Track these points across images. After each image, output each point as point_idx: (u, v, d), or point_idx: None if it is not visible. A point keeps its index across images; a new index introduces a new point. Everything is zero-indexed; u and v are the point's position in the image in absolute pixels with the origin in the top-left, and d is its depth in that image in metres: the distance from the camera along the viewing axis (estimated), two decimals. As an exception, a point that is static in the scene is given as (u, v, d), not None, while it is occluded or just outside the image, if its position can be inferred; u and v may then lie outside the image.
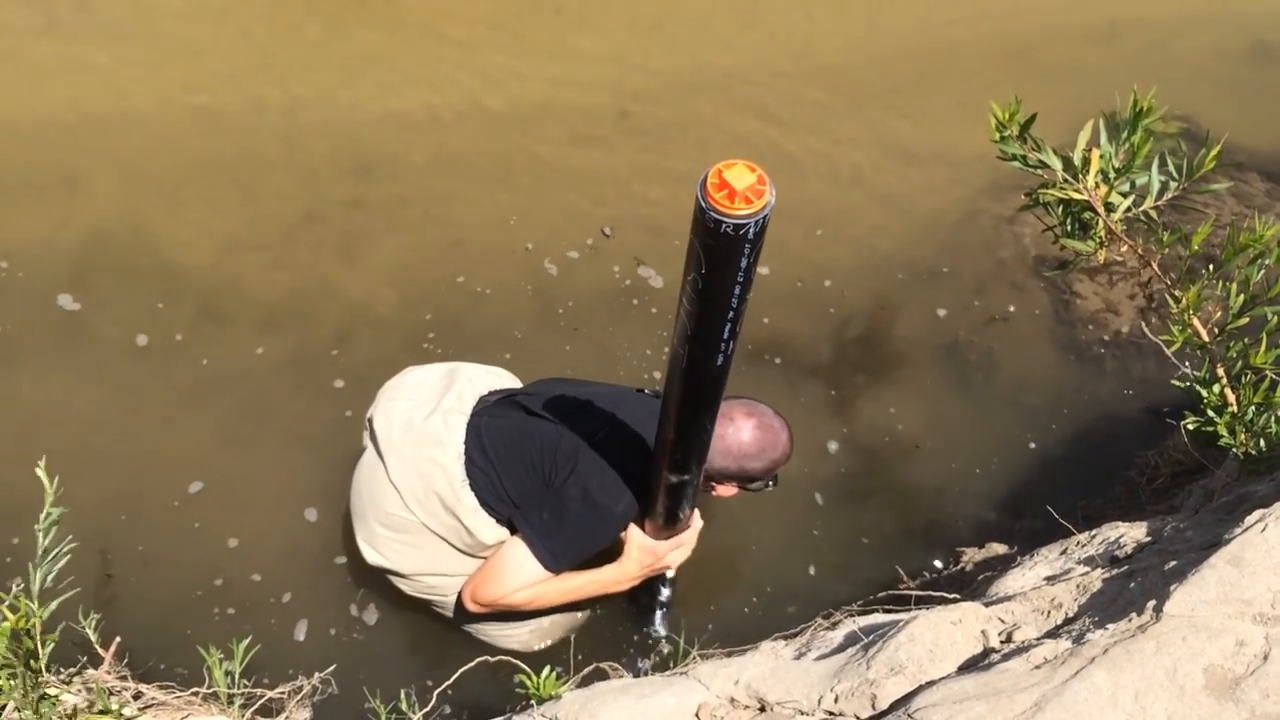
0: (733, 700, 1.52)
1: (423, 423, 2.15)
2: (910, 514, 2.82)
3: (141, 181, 3.33)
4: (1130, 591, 1.54)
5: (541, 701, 1.66)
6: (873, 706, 1.40)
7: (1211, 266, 1.95)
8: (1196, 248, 1.92)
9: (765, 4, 4.27)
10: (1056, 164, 1.92)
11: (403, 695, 1.87)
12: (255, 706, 1.92)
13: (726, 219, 1.24)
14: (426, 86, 3.73)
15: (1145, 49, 4.21)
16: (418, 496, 2.11)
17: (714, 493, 2.18)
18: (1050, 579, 1.84)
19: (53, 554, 1.61)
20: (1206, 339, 2.01)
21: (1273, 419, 1.98)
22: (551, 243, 3.31)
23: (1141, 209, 1.96)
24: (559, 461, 2.05)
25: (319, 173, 3.42)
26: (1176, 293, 2.01)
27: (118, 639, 2.00)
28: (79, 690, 1.76)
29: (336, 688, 2.13)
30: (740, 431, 2.05)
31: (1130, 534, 1.92)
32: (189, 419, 2.77)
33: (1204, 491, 2.18)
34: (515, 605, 2.09)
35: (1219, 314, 2.01)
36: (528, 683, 1.67)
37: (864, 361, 3.14)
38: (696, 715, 1.50)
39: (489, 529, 2.11)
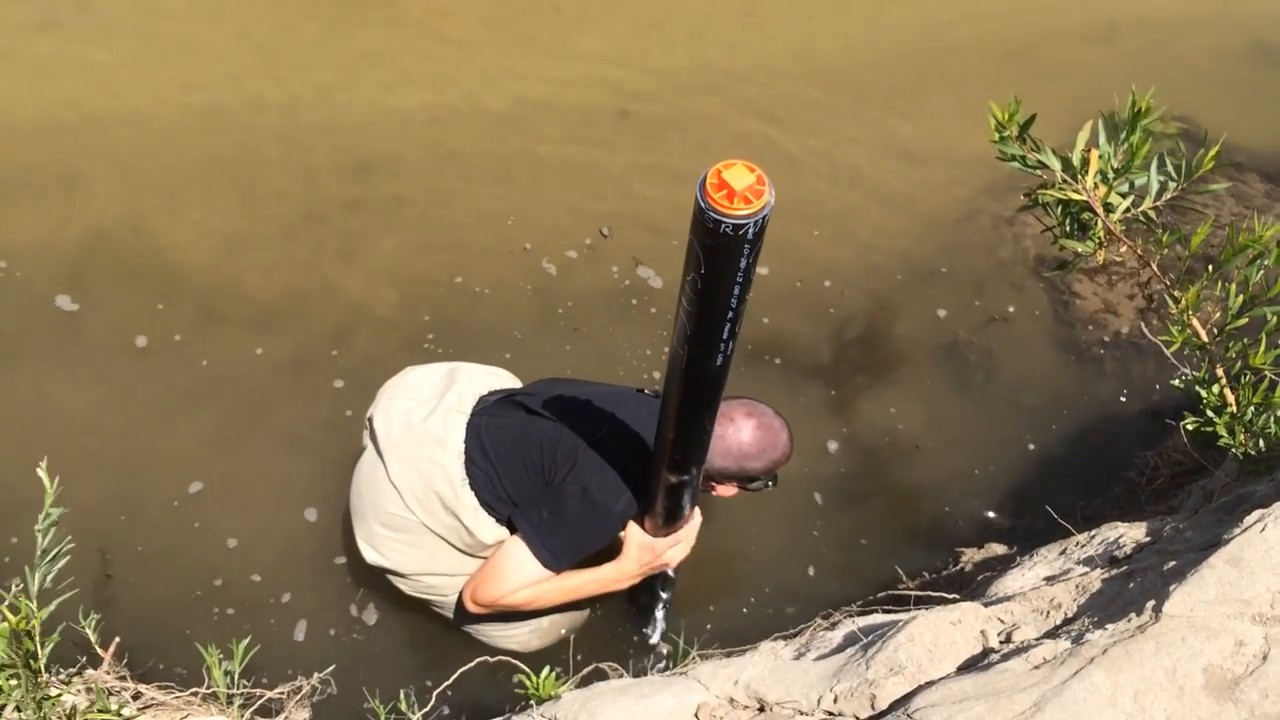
0: (732, 700, 1.52)
1: (423, 422, 2.15)
2: (909, 514, 2.82)
3: (141, 181, 3.33)
4: (1129, 592, 1.54)
5: (541, 702, 1.66)
6: (872, 707, 1.40)
7: (1211, 267, 1.95)
8: (1195, 248, 1.92)
9: (765, 4, 4.27)
10: (1055, 164, 1.92)
11: (402, 695, 1.87)
12: (254, 707, 1.92)
13: (726, 219, 1.24)
14: (426, 86, 3.73)
15: (1145, 49, 4.21)
16: (417, 496, 2.11)
17: (714, 493, 2.18)
18: (1050, 579, 1.84)
19: (51, 554, 1.61)
20: (1206, 339, 2.01)
21: (1272, 419, 1.98)
22: (551, 242, 3.31)
23: (1140, 209, 1.96)
24: (558, 459, 2.06)
25: (319, 173, 3.42)
26: (1176, 293, 2.01)
27: (117, 639, 2.01)
28: (79, 690, 1.76)
29: (336, 688, 2.14)
30: (740, 431, 2.05)
31: (1129, 534, 1.92)
32: (189, 419, 2.77)
33: (1203, 492, 2.18)
34: (516, 605, 2.09)
35: (1218, 314, 2.01)
36: (527, 683, 1.67)
37: (863, 362, 3.14)
38: (696, 715, 1.50)
39: (489, 528, 2.11)
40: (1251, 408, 1.99)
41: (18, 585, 1.62)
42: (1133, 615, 1.40)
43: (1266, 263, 1.89)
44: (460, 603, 2.21)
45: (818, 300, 3.27)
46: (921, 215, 3.56)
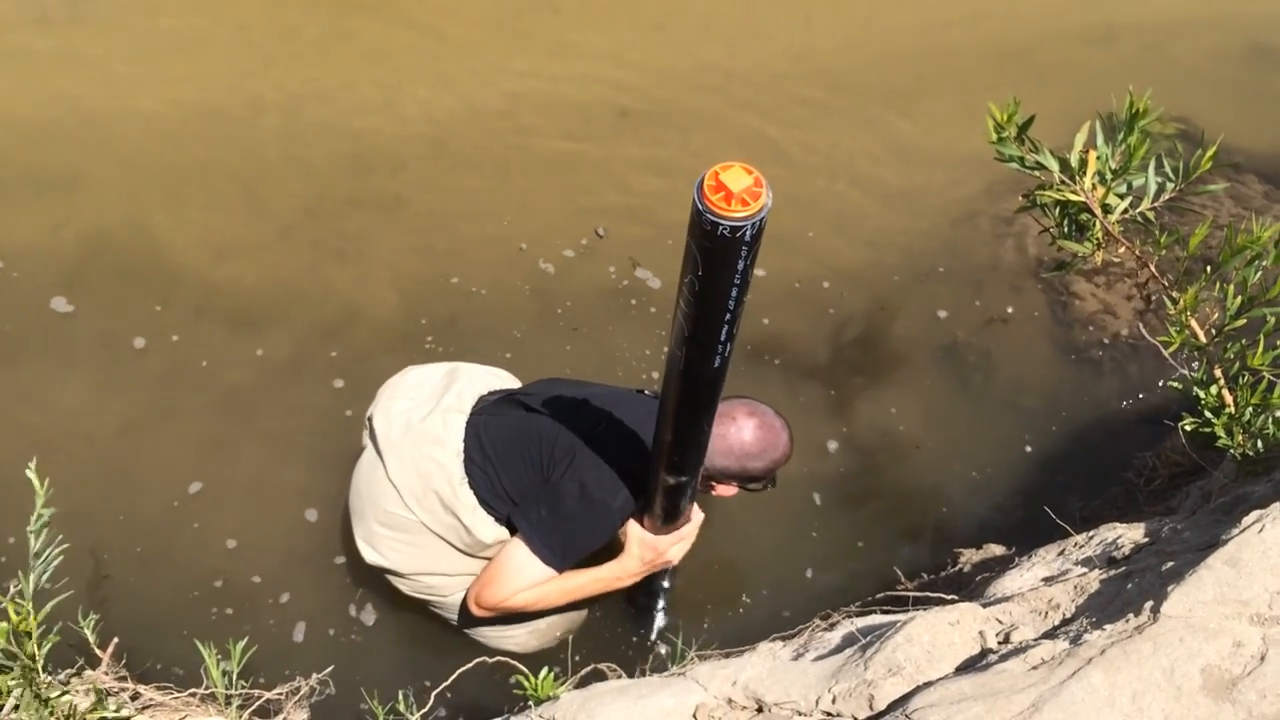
0: (730, 701, 1.52)
1: (422, 422, 2.15)
2: (908, 515, 2.82)
3: (140, 182, 3.33)
4: (1128, 592, 1.54)
5: (539, 702, 1.66)
6: (870, 707, 1.40)
7: (1209, 268, 1.95)
8: (1194, 249, 1.92)
9: (764, 6, 4.27)
10: (1053, 165, 1.92)
11: (400, 696, 1.87)
12: (253, 708, 1.92)
13: (723, 221, 1.24)
14: (426, 86, 3.73)
15: (1143, 51, 4.22)
16: (416, 495, 2.11)
17: (714, 493, 2.19)
18: (1048, 580, 1.84)
19: (45, 555, 1.61)
20: (1204, 340, 2.02)
21: (1270, 420, 1.98)
22: (550, 242, 3.31)
23: (1138, 210, 1.96)
24: (556, 456, 2.06)
25: (318, 173, 3.43)
26: (1174, 294, 2.01)
27: (116, 639, 2.01)
28: (77, 691, 1.76)
29: (334, 688, 2.14)
30: (742, 431, 2.05)
31: (1128, 535, 1.92)
32: (188, 420, 2.77)
33: (1201, 492, 2.18)
34: (519, 607, 2.09)
35: (1216, 315, 2.01)
36: (525, 683, 1.67)
37: (862, 362, 3.14)
38: (694, 716, 1.50)
39: (487, 527, 2.11)
40: (1249, 409, 1.99)
41: (16, 585, 1.62)
42: (1131, 616, 1.40)
43: (1264, 264, 1.90)
44: (461, 604, 2.21)
45: (817, 301, 3.27)
46: (920, 216, 3.56)
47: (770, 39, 4.12)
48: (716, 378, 1.53)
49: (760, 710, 1.49)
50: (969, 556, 2.54)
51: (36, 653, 1.54)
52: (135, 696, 1.90)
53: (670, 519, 2.03)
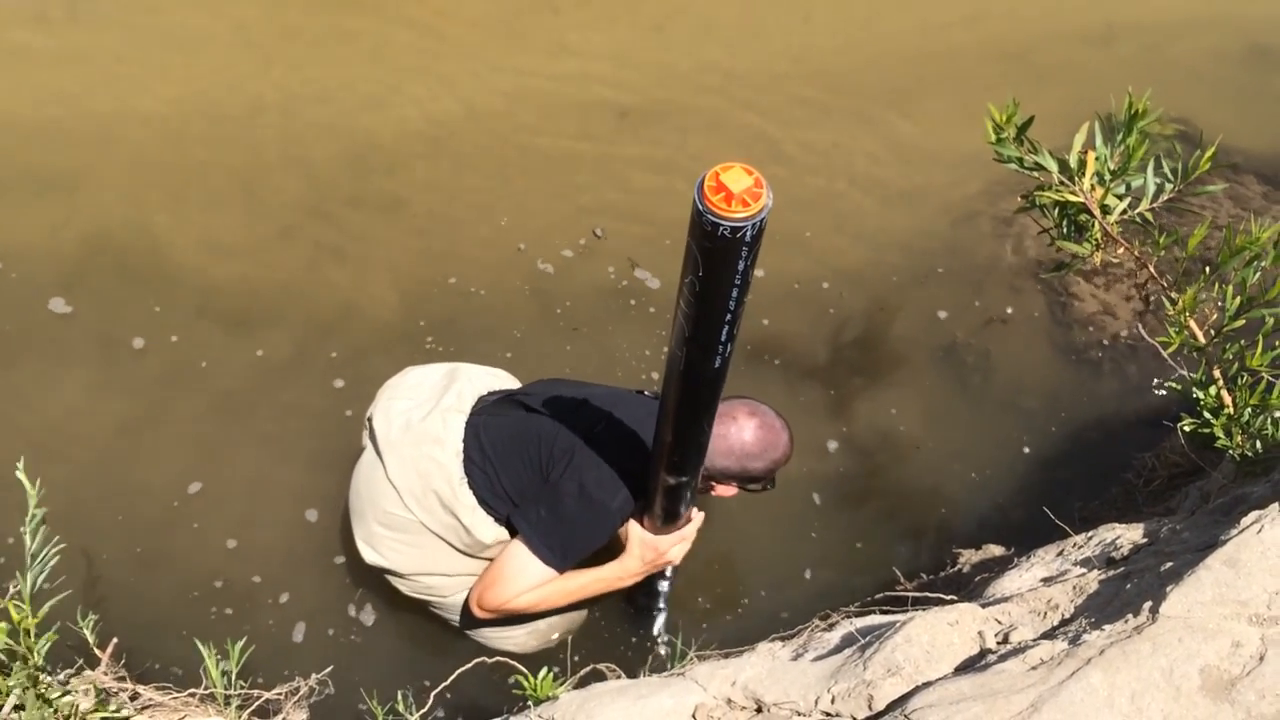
0: (730, 701, 1.52)
1: (421, 422, 2.15)
2: (907, 515, 2.82)
3: (140, 182, 3.33)
4: (1127, 593, 1.54)
5: (539, 702, 1.66)
6: (869, 707, 1.40)
7: (1208, 269, 1.95)
8: (1193, 250, 1.92)
9: (764, 6, 4.27)
10: (1052, 166, 1.92)
11: (400, 696, 1.87)
12: (252, 708, 1.92)
13: (723, 222, 1.24)
14: (425, 86, 3.73)
15: (1142, 52, 4.22)
16: (416, 495, 2.11)
17: (713, 493, 2.19)
18: (1047, 580, 1.84)
19: (41, 555, 1.61)
20: (1203, 341, 2.02)
21: (1269, 421, 1.98)
22: (549, 242, 3.31)
23: (1137, 211, 1.96)
24: (555, 455, 2.06)
25: (317, 173, 3.43)
26: (1173, 295, 2.01)
27: (115, 639, 2.01)
28: (77, 691, 1.76)
29: (333, 689, 2.14)
30: (743, 431, 2.05)
31: (1127, 535, 1.93)
32: (187, 420, 2.77)
33: (1200, 493, 2.19)
34: (522, 608, 2.09)
35: (1215, 316, 2.01)
36: (525, 684, 1.67)
37: (862, 362, 3.14)
38: (694, 716, 1.50)
39: (487, 527, 2.11)
40: (1248, 409, 1.99)
41: (14, 585, 1.62)
42: (1130, 616, 1.40)
43: (1263, 264, 1.90)
44: (462, 605, 2.21)
45: (816, 301, 3.27)
46: (920, 216, 3.57)
47: (770, 39, 4.13)
48: (717, 378, 1.54)
49: (759, 710, 1.49)
50: (968, 557, 2.54)
51: (37, 653, 1.54)
52: (134, 696, 1.90)
53: (670, 519, 2.03)
